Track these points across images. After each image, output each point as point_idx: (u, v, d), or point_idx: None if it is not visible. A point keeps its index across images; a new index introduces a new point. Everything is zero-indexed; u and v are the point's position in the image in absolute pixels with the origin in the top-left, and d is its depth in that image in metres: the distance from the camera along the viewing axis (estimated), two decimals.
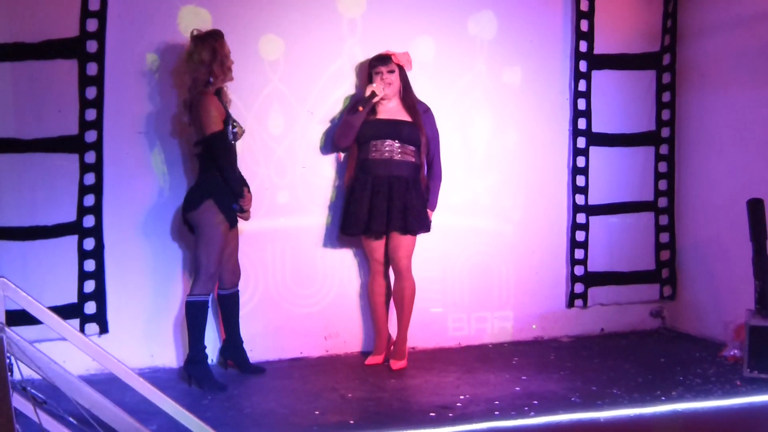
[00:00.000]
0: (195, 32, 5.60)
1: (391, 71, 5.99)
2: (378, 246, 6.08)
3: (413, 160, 6.01)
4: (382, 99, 6.00)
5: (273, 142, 6.14)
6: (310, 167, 6.24)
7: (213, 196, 5.50)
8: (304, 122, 6.22)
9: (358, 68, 6.28)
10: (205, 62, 5.49)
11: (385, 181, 5.93)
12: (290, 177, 6.21)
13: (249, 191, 5.67)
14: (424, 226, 6.03)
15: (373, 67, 6.02)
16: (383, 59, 6.02)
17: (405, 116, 6.02)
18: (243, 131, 5.70)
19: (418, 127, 6.00)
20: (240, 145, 5.78)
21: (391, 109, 6.05)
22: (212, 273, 5.55)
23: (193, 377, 5.61)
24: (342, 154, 6.28)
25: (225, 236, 5.56)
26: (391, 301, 6.17)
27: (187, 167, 5.95)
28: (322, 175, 6.29)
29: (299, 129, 6.21)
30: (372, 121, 6.01)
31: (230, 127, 5.55)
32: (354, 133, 6.00)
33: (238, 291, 5.87)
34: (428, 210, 6.10)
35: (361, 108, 5.94)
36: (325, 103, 6.25)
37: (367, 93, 5.97)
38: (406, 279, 6.02)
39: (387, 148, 5.97)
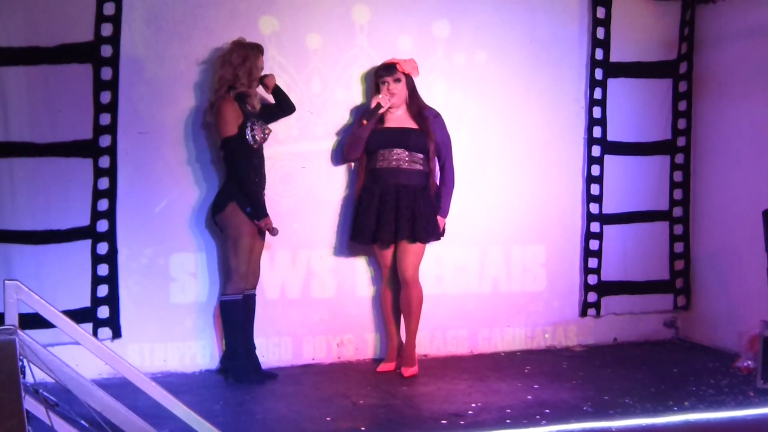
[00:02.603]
0: (239, 39, 5.75)
1: (397, 80, 5.96)
2: (387, 254, 6.07)
3: (421, 168, 5.98)
4: (389, 108, 5.98)
5: (280, 144, 6.15)
6: (312, 169, 6.24)
7: (237, 198, 5.63)
8: (307, 123, 6.23)
9: (366, 76, 6.29)
10: (233, 64, 5.64)
11: (392, 190, 5.91)
12: (299, 181, 6.21)
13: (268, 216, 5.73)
14: (434, 234, 6.00)
15: (378, 77, 6.00)
16: (388, 68, 5.99)
17: (412, 124, 6.00)
18: (268, 132, 5.76)
19: (426, 134, 5.97)
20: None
21: (398, 117, 6.04)
22: (243, 273, 5.72)
23: (230, 372, 5.78)
24: (353, 164, 6.28)
25: (251, 237, 5.71)
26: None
27: (201, 172, 5.97)
28: (335, 181, 6.29)
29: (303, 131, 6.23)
30: (380, 130, 6.00)
31: (248, 130, 5.61)
32: (362, 145, 6.00)
33: (254, 294, 5.90)
34: (440, 217, 6.06)
35: (365, 122, 5.91)
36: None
37: (373, 105, 5.94)
38: (412, 288, 5.99)
39: (395, 157, 5.95)
